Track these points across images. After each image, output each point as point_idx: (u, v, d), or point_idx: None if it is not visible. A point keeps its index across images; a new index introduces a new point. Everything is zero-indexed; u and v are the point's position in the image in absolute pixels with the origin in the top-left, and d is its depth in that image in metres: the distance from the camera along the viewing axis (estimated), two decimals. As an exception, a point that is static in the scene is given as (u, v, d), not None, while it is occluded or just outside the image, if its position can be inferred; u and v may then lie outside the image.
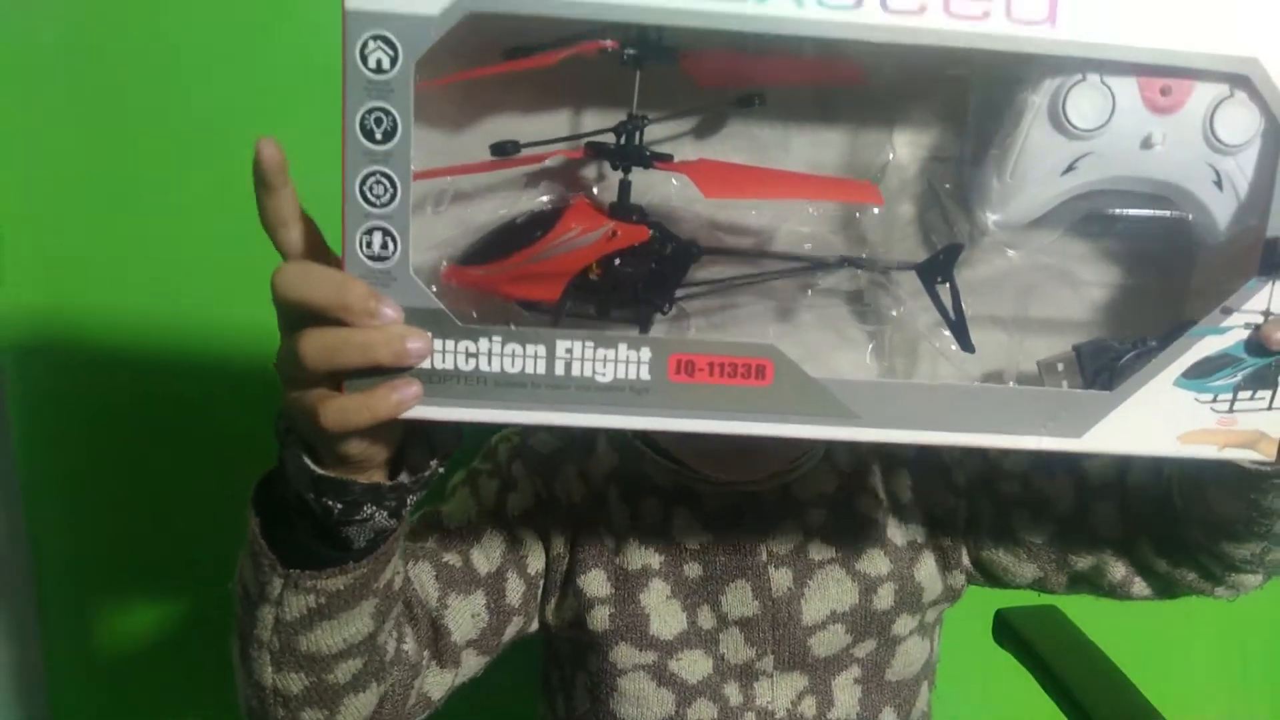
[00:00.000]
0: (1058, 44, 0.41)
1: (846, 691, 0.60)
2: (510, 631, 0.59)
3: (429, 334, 0.42)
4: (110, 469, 0.85)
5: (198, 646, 0.87)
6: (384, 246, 0.41)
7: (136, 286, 0.81)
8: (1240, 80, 0.42)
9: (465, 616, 0.56)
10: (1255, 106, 0.42)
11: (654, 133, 0.45)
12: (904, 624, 0.61)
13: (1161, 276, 0.47)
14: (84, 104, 0.79)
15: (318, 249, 0.43)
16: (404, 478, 0.45)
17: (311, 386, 0.41)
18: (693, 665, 0.59)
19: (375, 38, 0.40)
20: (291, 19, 0.78)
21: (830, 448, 0.62)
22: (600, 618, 0.59)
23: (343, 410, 0.41)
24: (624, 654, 0.59)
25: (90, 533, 0.86)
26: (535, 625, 0.61)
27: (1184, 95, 0.42)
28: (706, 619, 0.59)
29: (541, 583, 0.60)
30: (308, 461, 0.43)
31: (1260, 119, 0.42)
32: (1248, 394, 0.44)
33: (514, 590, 0.59)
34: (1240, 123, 0.42)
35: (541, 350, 0.42)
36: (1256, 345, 0.43)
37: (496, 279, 0.44)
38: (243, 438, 0.77)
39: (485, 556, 0.58)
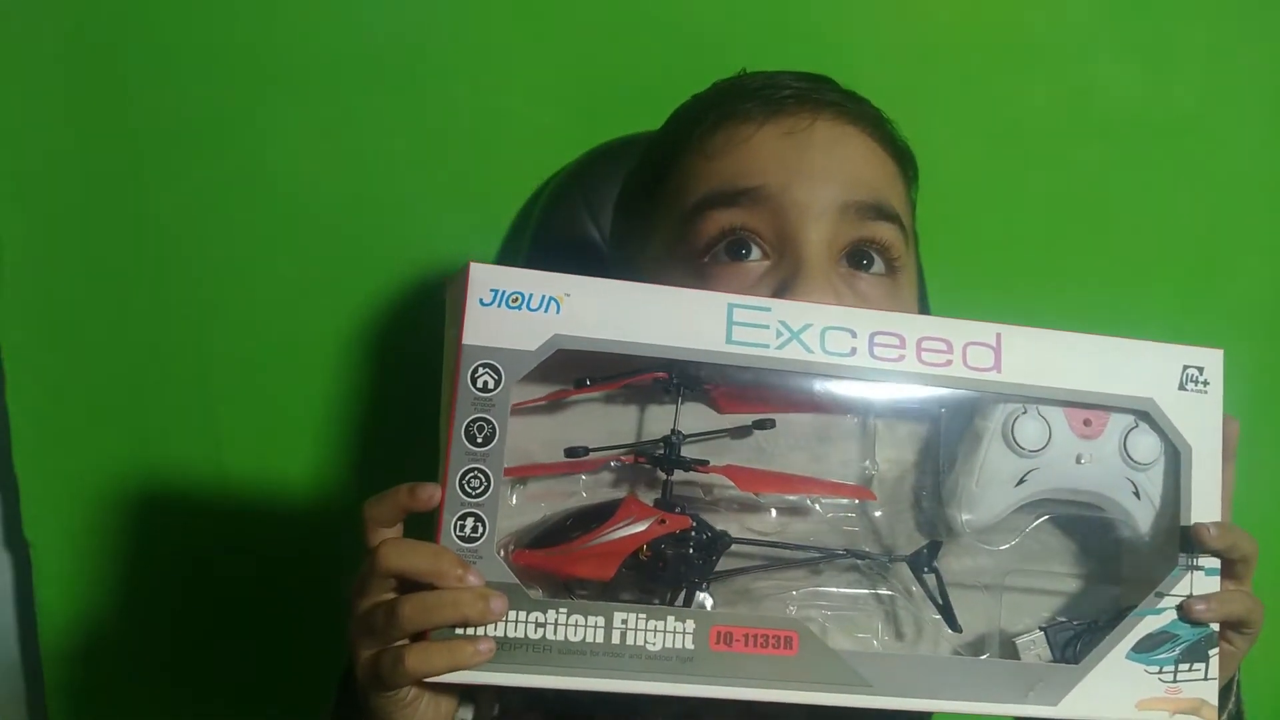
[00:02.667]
0: (1003, 385, 0.54)
1: None
2: None
3: (507, 596, 0.49)
4: (110, 469, 0.83)
5: (198, 647, 0.84)
6: (474, 530, 0.50)
7: (136, 287, 0.82)
8: (1143, 415, 0.55)
9: None
10: (1156, 434, 0.55)
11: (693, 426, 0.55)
12: None
13: (1101, 565, 0.57)
14: (84, 104, 0.79)
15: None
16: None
17: (395, 641, 0.48)
18: None
19: (484, 365, 0.51)
20: (292, 19, 0.81)
21: None
22: None
23: (426, 653, 0.47)
24: None
25: (89, 534, 0.84)
26: None
27: (1102, 425, 0.55)
28: None
29: None
30: None
31: (1161, 443, 0.55)
32: (1186, 666, 0.53)
33: None
34: (1147, 446, 0.55)
35: (601, 621, 0.50)
36: (1185, 618, 0.53)
37: (559, 560, 0.53)
38: (243, 438, 0.80)
39: None
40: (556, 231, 0.81)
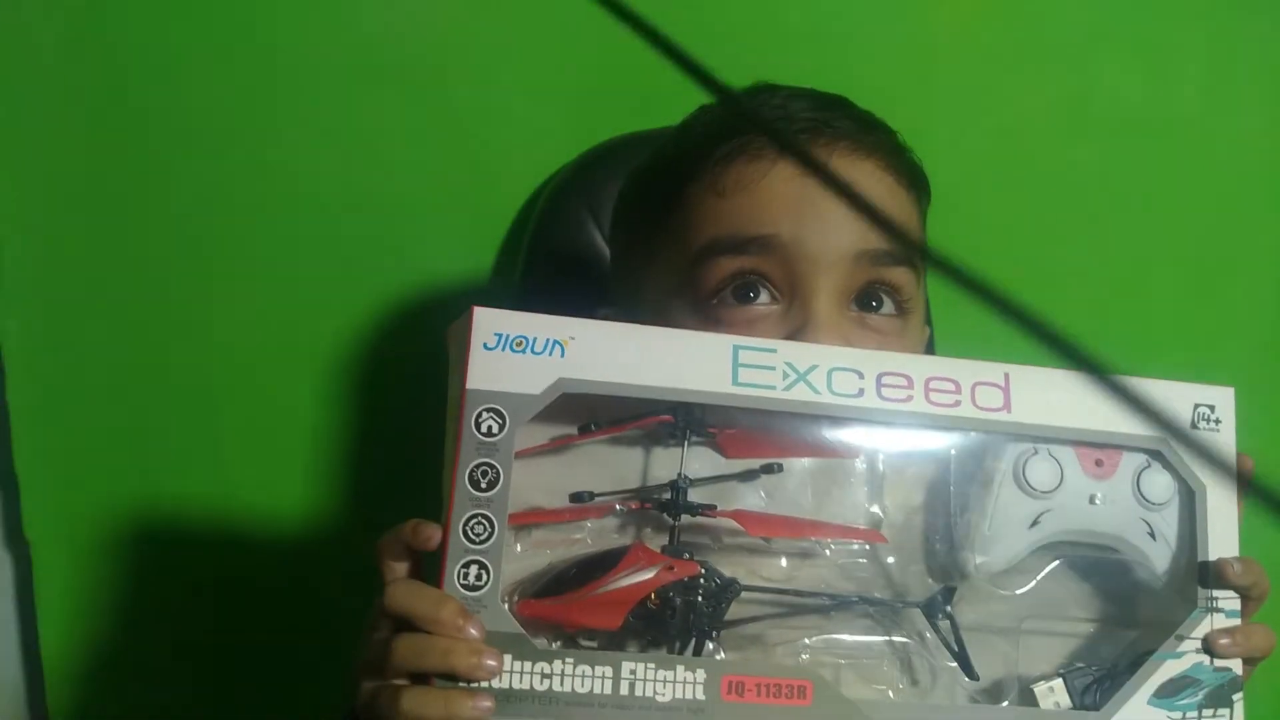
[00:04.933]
0: (1013, 425, 0.53)
1: None
2: None
3: (503, 658, 0.48)
4: (110, 468, 0.83)
5: (198, 646, 0.83)
6: (478, 578, 0.49)
7: (136, 285, 0.81)
8: (1155, 454, 0.54)
9: None
10: (1169, 474, 0.54)
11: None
12: None
13: (1118, 607, 0.56)
14: (84, 104, 0.79)
15: (415, 577, 0.50)
16: None
17: (391, 679, 0.47)
18: None
19: (488, 410, 0.50)
20: (290, 20, 0.81)
21: None
22: None
23: (423, 697, 0.46)
24: None
25: (89, 533, 0.83)
26: None
27: (1114, 465, 0.54)
28: None
29: None
30: None
31: (1175, 483, 0.54)
32: (1210, 711, 0.51)
33: None
34: (1160, 486, 0.54)
35: (609, 671, 0.49)
36: (1208, 652, 0.52)
37: (565, 609, 0.51)
38: (243, 437, 0.79)
39: None
40: (557, 231, 0.80)
